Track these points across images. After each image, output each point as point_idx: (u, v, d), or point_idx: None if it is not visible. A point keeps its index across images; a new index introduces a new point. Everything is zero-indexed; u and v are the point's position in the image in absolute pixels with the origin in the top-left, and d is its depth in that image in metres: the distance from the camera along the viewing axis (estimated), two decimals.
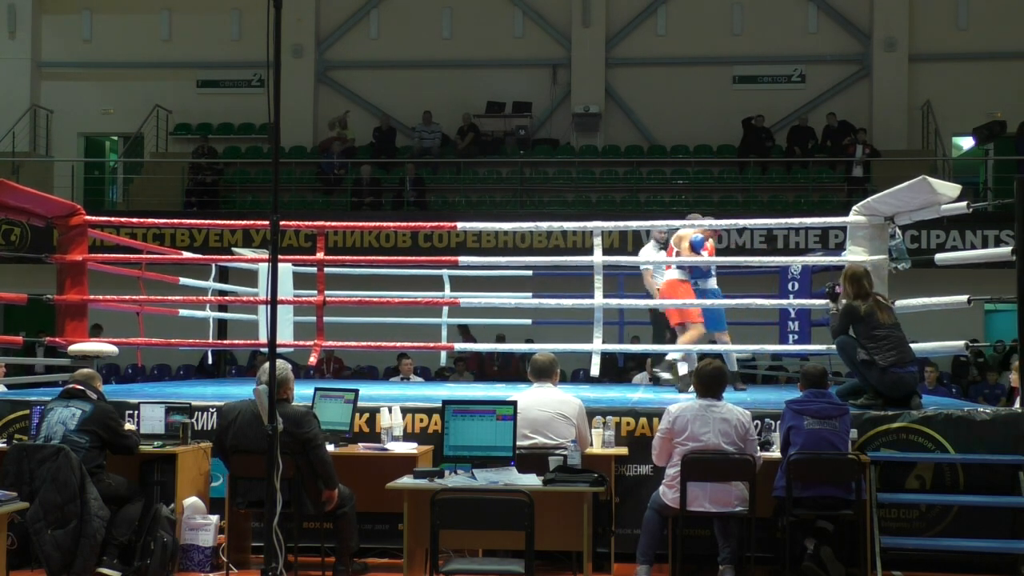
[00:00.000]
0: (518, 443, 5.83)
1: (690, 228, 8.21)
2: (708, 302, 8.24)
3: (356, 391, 6.62)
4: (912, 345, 6.92)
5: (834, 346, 7.10)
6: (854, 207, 7.83)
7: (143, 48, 19.59)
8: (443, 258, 10.41)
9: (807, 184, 17.18)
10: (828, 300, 7.30)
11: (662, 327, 9.00)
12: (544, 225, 9.44)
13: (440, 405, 6.03)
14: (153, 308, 9.40)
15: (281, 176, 4.90)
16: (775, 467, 6.10)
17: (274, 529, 4.59)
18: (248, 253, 10.69)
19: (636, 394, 8.38)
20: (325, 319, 8.17)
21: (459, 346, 9.11)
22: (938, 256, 8.04)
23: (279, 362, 5.38)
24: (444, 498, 4.76)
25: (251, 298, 10.40)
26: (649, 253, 9.20)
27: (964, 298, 7.26)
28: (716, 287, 8.60)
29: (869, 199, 7.75)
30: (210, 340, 10.33)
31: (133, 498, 6.09)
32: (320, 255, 8.17)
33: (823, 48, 18.83)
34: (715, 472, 5.82)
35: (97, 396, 6.22)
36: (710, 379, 6.10)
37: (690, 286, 8.36)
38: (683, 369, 8.28)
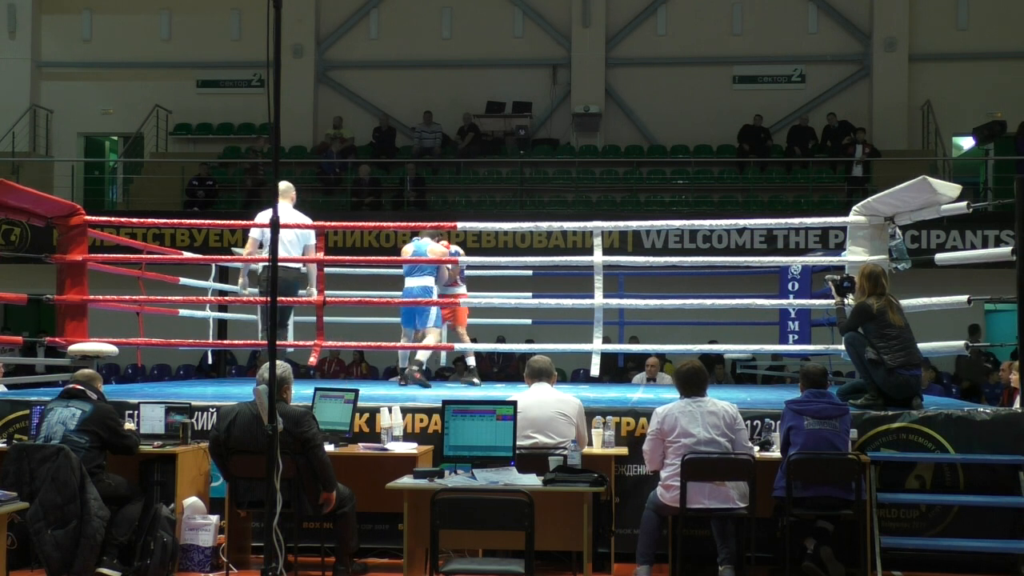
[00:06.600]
0: (519, 443, 5.84)
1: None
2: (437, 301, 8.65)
3: (356, 391, 6.61)
4: None
5: (833, 346, 7.07)
6: (854, 207, 7.83)
7: (143, 48, 19.61)
8: (443, 258, 10.38)
9: (807, 184, 17.18)
10: (836, 294, 7.14)
11: None
12: (544, 225, 9.44)
13: (440, 405, 6.03)
14: (153, 308, 9.40)
15: (281, 176, 4.90)
16: (775, 467, 6.10)
17: (274, 529, 4.58)
18: None
19: (636, 394, 8.37)
20: (325, 319, 8.17)
21: (459, 346, 9.09)
22: (938, 256, 8.03)
23: (278, 362, 5.37)
24: (444, 498, 4.75)
25: (251, 298, 10.38)
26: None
27: (964, 298, 7.25)
28: (414, 286, 8.75)
29: (869, 199, 7.75)
30: (210, 340, 10.33)
31: (133, 498, 6.09)
32: (320, 255, 8.18)
33: (823, 48, 18.83)
34: (715, 472, 5.82)
35: (97, 396, 6.22)
36: (686, 378, 6.12)
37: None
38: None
